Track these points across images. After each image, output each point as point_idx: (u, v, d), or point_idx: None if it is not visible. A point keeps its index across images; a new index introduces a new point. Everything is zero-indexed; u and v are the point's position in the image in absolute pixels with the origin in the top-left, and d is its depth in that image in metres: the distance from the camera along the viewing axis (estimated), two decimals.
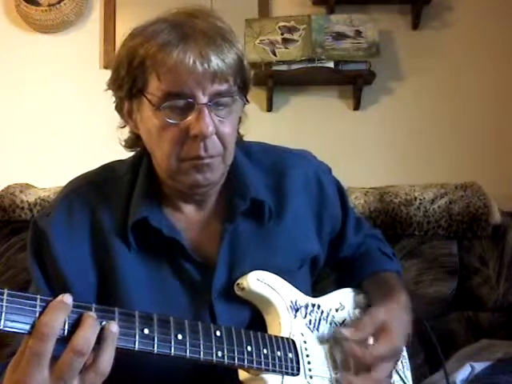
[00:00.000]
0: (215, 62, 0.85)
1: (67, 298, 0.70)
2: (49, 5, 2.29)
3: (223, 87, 0.87)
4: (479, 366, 1.34)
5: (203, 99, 0.86)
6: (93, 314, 0.71)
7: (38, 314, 0.68)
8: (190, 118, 0.86)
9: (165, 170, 0.92)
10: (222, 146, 0.91)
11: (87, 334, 0.69)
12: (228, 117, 0.90)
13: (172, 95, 0.86)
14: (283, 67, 2.20)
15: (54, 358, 0.68)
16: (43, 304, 0.69)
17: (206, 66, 0.84)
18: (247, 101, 0.94)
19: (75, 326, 0.70)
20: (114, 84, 0.92)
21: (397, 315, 1.00)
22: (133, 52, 0.87)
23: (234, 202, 0.98)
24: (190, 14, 0.89)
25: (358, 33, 2.21)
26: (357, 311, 1.08)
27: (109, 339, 0.71)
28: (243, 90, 0.93)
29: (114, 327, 0.72)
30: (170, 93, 0.86)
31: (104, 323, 0.72)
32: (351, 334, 0.94)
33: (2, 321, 0.66)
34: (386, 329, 0.95)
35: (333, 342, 0.99)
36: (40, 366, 0.67)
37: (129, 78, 0.88)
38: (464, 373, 1.33)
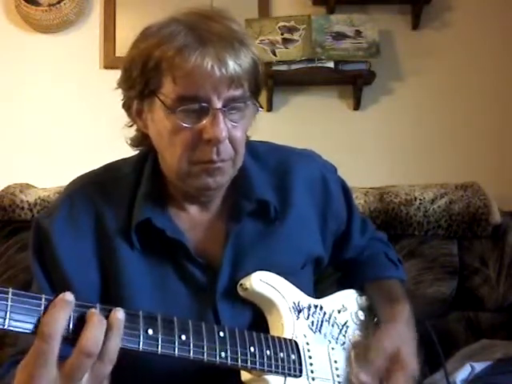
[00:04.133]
0: (232, 66, 0.84)
1: (68, 296, 0.70)
2: (49, 5, 2.29)
3: (238, 92, 0.87)
4: (479, 366, 1.33)
5: (218, 104, 0.85)
6: (96, 310, 0.71)
7: (42, 314, 0.68)
8: (204, 122, 0.86)
9: (175, 172, 0.92)
10: (234, 150, 0.90)
11: (95, 334, 0.69)
12: (240, 121, 0.90)
13: (187, 99, 0.85)
14: (283, 67, 2.20)
15: (62, 358, 0.68)
16: (47, 303, 0.69)
17: (223, 70, 0.84)
18: (261, 106, 0.94)
19: (80, 324, 0.69)
20: (125, 83, 0.91)
21: (405, 335, 0.99)
22: (148, 53, 0.86)
23: (240, 202, 0.98)
24: (204, 16, 0.88)
25: (358, 33, 2.22)
26: (359, 313, 1.08)
27: (115, 328, 0.71)
28: (256, 94, 0.93)
29: (120, 314, 0.72)
30: (185, 96, 0.85)
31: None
32: (365, 373, 0.92)
33: (7, 320, 0.66)
34: (398, 358, 0.94)
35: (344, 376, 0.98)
36: (47, 366, 0.67)
37: (142, 79, 0.88)
38: (464, 373, 1.33)
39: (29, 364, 0.68)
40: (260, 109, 0.94)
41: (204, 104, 0.85)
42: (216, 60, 0.83)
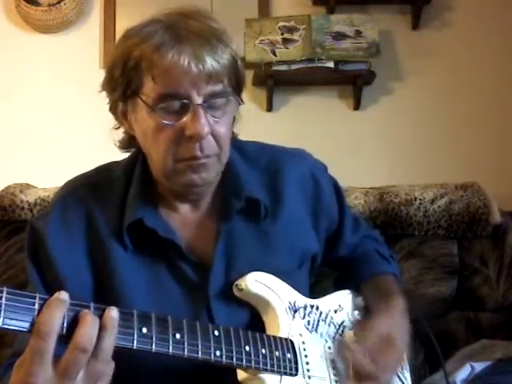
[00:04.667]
0: (210, 62, 0.85)
1: (63, 295, 0.70)
2: (49, 5, 2.29)
3: (218, 88, 0.88)
4: (479, 366, 1.33)
5: (198, 100, 0.86)
6: (90, 311, 0.72)
7: (36, 313, 0.69)
8: (185, 118, 0.87)
9: (160, 170, 0.93)
10: (218, 145, 0.91)
11: (89, 331, 0.69)
12: (223, 117, 0.91)
13: (167, 96, 0.86)
14: (283, 67, 2.20)
15: (56, 357, 0.69)
16: (42, 302, 0.69)
17: (200, 67, 0.85)
18: (242, 101, 0.95)
19: (74, 323, 0.70)
20: (109, 85, 0.93)
21: (398, 323, 1.00)
22: (127, 53, 0.87)
23: (230, 201, 0.99)
24: (183, 15, 0.89)
25: (358, 33, 2.22)
26: (355, 313, 1.08)
27: (109, 326, 0.71)
28: (237, 90, 0.94)
29: (113, 313, 0.72)
30: (165, 94, 0.86)
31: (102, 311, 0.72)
32: (358, 349, 0.93)
33: (1, 318, 0.66)
34: (390, 340, 0.96)
35: (336, 353, 0.98)
36: (43, 364, 0.67)
37: (123, 80, 0.89)
38: (464, 373, 1.33)
39: (25, 362, 0.68)
40: (240, 102, 0.94)
41: (184, 100, 0.86)
42: (193, 57, 0.84)
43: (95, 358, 0.70)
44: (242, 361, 0.86)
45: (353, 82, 2.26)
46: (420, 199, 1.73)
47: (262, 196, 1.00)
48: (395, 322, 1.00)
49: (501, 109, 2.29)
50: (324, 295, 1.08)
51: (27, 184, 1.81)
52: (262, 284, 0.96)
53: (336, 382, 0.96)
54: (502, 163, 2.26)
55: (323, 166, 1.16)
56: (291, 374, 0.92)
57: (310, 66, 2.20)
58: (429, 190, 1.77)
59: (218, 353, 0.83)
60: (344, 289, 1.12)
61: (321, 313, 1.03)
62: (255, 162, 1.05)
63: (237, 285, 0.95)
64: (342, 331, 1.03)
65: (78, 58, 2.33)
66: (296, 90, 2.32)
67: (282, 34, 2.22)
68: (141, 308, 0.79)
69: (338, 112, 2.32)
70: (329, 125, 2.31)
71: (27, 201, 1.69)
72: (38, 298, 0.69)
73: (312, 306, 1.02)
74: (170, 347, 0.79)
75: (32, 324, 0.68)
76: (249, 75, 2.16)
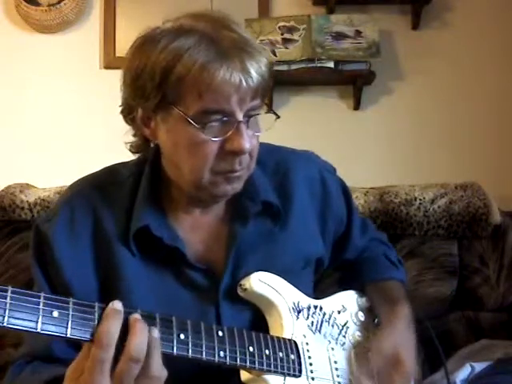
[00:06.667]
0: (255, 76, 0.85)
1: (117, 305, 0.74)
2: (49, 5, 2.28)
3: (257, 102, 0.88)
4: (479, 366, 1.33)
5: (240, 116, 0.86)
6: (138, 316, 0.75)
7: (41, 312, 0.69)
8: (228, 134, 0.86)
9: (193, 181, 0.91)
10: (250, 156, 0.91)
11: (141, 341, 0.73)
12: (257, 129, 0.91)
13: (211, 112, 0.85)
14: (283, 67, 2.20)
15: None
16: (47, 302, 0.70)
17: (250, 82, 0.84)
18: (276, 114, 0.94)
19: (124, 331, 0.73)
20: (135, 92, 0.89)
21: (404, 337, 1.00)
22: (167, 67, 0.84)
23: (245, 204, 0.98)
24: (216, 23, 0.87)
25: (358, 33, 2.21)
26: (359, 314, 1.08)
27: (155, 345, 0.74)
28: (265, 97, 0.93)
29: (155, 333, 0.75)
30: (208, 110, 0.85)
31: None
32: (363, 375, 0.94)
33: (6, 318, 0.67)
34: (399, 362, 0.95)
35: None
36: (103, 373, 0.70)
37: (159, 91, 0.85)
38: (464, 373, 1.32)
39: (83, 372, 0.71)
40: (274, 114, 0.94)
41: (228, 117, 0.86)
42: (242, 72, 0.84)
43: (147, 376, 0.73)
44: (245, 361, 0.86)
45: (353, 81, 2.26)
46: (420, 199, 1.74)
47: (273, 199, 1.00)
48: (401, 336, 0.99)
49: (501, 109, 2.29)
50: (324, 295, 1.08)
51: (27, 184, 1.81)
52: (265, 284, 0.96)
53: (339, 383, 0.96)
54: (502, 163, 2.26)
55: (331, 167, 1.16)
56: (295, 375, 0.92)
57: (310, 65, 2.19)
58: (429, 189, 1.77)
59: (221, 353, 0.84)
60: (348, 289, 1.12)
61: (324, 314, 1.03)
62: (264, 164, 1.04)
63: (241, 285, 0.95)
64: (346, 332, 1.03)
65: (78, 57, 2.32)
66: (296, 90, 2.32)
67: (281, 34, 2.22)
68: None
69: (338, 112, 2.32)
70: (329, 125, 2.31)
71: (27, 201, 1.69)
72: (42, 298, 0.70)
73: (316, 307, 1.02)
74: (175, 348, 0.79)
75: (36, 322, 0.69)
76: None
